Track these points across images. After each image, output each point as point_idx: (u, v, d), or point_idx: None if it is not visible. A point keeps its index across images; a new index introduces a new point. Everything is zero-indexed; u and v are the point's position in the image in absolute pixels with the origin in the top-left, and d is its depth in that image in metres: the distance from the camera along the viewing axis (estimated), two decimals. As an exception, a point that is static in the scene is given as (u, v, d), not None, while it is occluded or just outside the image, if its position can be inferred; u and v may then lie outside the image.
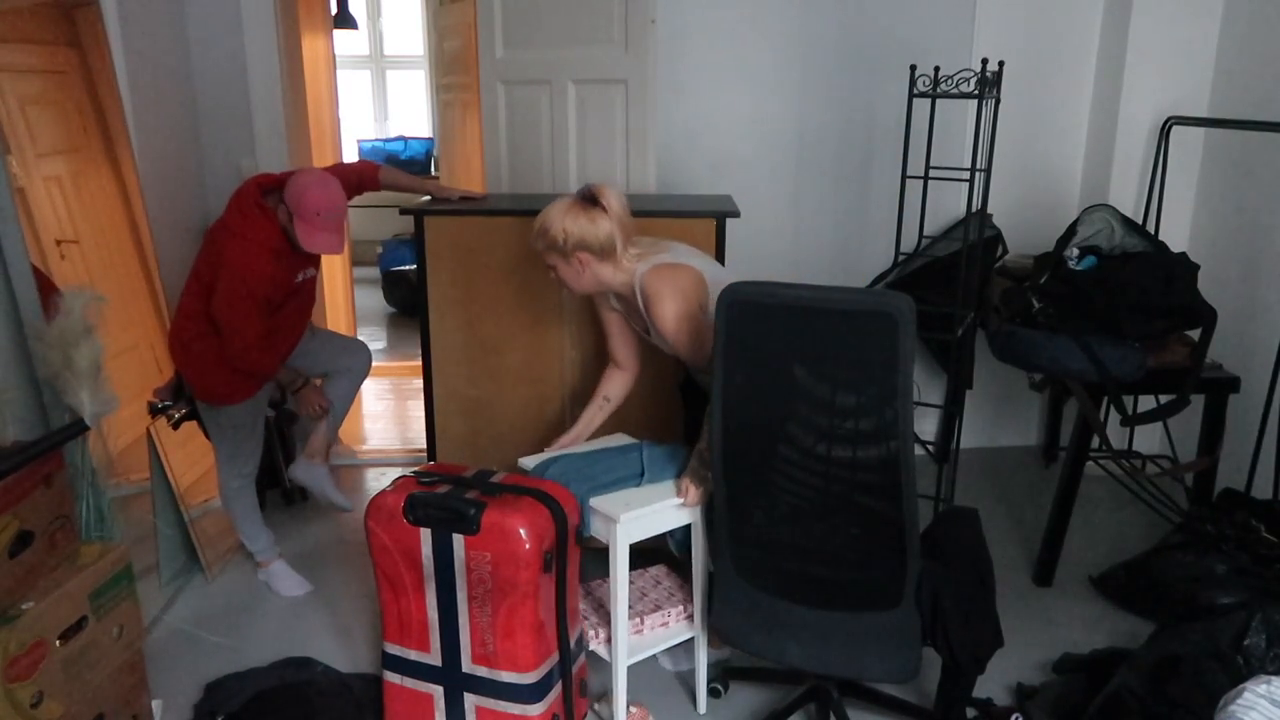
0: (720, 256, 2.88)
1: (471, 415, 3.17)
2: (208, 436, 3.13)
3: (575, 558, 2.32)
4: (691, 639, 2.51)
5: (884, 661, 2.09)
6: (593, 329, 2.96)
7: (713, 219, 2.90)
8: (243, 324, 2.76)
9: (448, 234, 3.03)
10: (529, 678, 2.21)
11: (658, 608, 2.48)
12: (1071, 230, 3.05)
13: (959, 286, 3.10)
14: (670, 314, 2.35)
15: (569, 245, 2.37)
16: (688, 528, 2.42)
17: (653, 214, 2.85)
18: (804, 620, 2.14)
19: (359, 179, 3.09)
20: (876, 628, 2.09)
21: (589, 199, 2.39)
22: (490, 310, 3.06)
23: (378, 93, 8.25)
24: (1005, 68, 3.10)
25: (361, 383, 3.33)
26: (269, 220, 2.78)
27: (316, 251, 2.82)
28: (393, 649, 2.33)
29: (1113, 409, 3.25)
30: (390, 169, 3.20)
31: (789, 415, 2.02)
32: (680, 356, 2.49)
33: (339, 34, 5.70)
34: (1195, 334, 3.01)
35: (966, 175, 3.15)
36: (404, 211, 3.21)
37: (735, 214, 2.90)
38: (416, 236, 3.06)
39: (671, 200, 3.35)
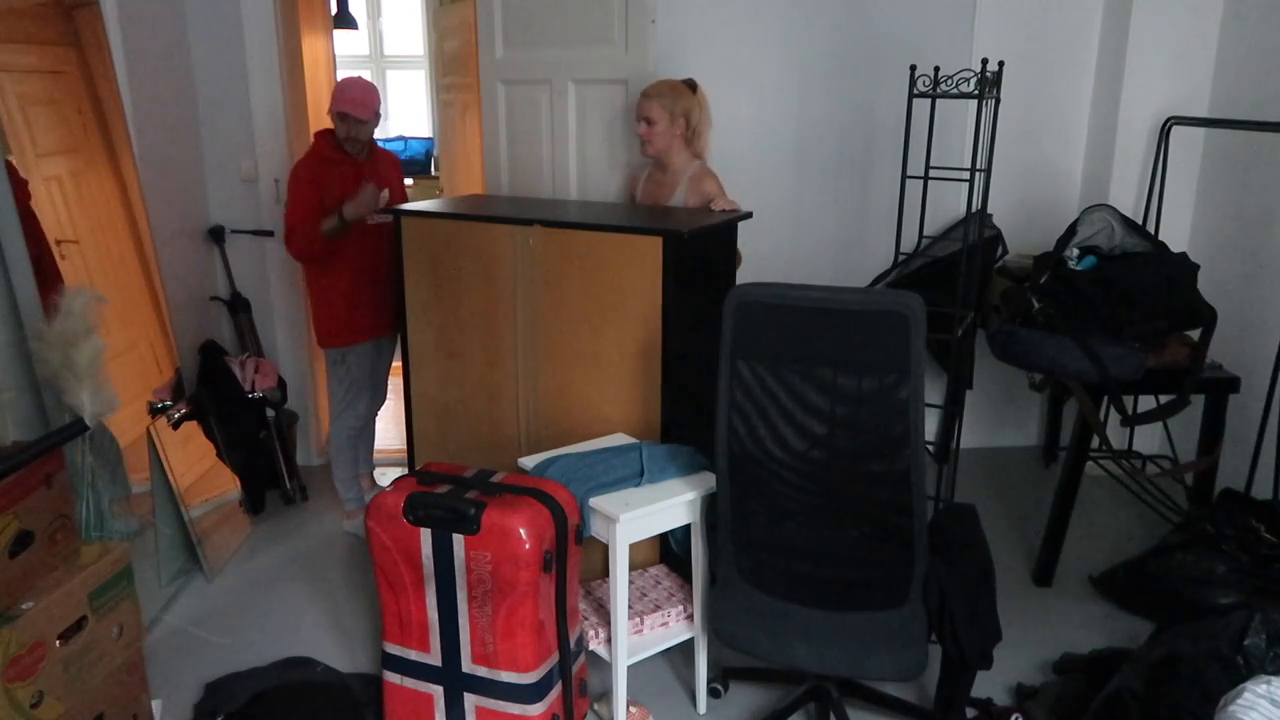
0: (667, 277, 2.62)
1: (442, 419, 3.15)
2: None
3: (575, 558, 2.31)
4: (691, 639, 2.51)
5: (892, 660, 2.09)
6: (546, 349, 2.87)
7: (659, 237, 2.61)
8: (291, 205, 3.23)
9: (420, 235, 3.01)
10: (529, 678, 2.21)
11: (658, 608, 2.48)
12: (1071, 230, 3.05)
13: (959, 286, 3.10)
14: (717, 188, 3.12)
15: (681, 108, 3.10)
16: (688, 528, 2.42)
17: (598, 228, 2.72)
18: (810, 622, 2.14)
19: None
20: (883, 626, 2.09)
21: (692, 85, 3.17)
22: (455, 317, 3.02)
23: (378, 93, 8.22)
24: (1005, 68, 3.10)
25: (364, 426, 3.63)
26: (320, 138, 3.32)
27: (342, 106, 3.19)
28: (393, 649, 2.33)
29: (1113, 409, 3.25)
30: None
31: (797, 416, 2.02)
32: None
33: (339, 34, 5.70)
34: (1195, 334, 3.01)
35: (966, 175, 3.15)
36: (382, 210, 3.23)
37: (681, 234, 2.59)
38: (395, 237, 3.06)
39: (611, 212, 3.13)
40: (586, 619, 2.47)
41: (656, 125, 3.08)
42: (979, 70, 2.96)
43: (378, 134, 3.38)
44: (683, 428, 2.73)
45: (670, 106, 3.08)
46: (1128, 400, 3.49)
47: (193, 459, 3.31)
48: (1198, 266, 2.97)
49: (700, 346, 2.71)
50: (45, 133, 2.83)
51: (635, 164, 3.47)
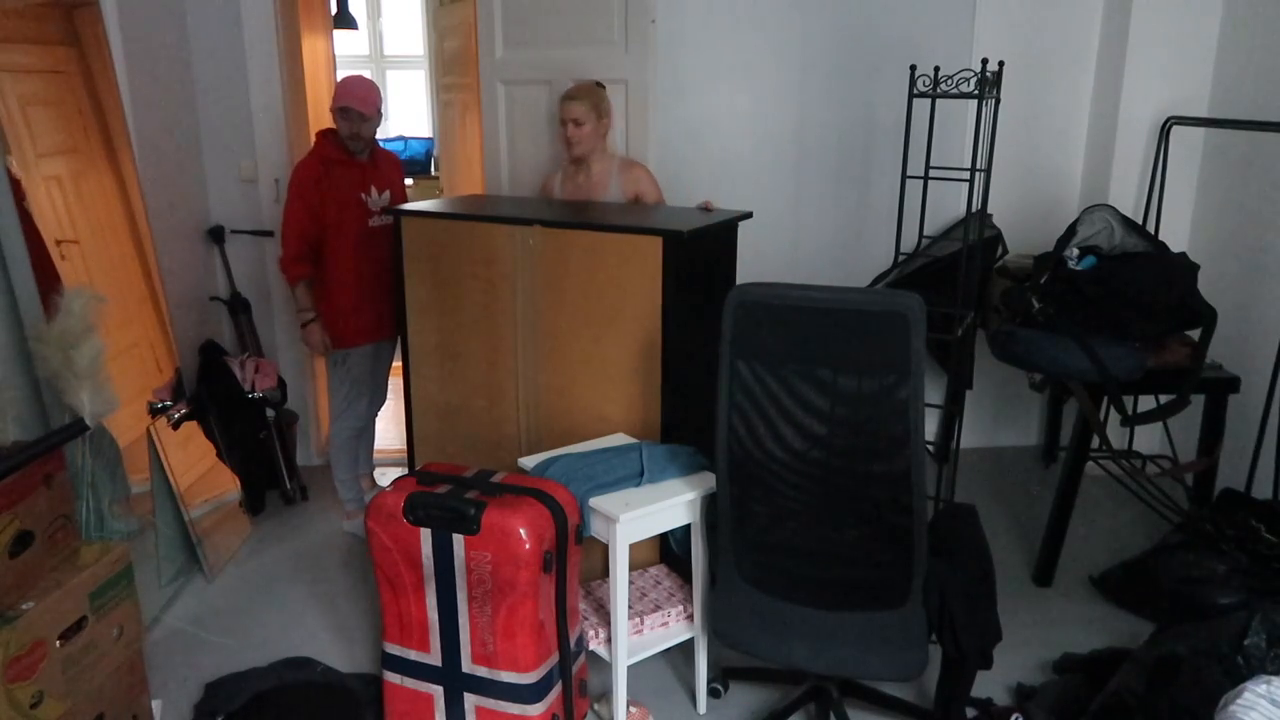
0: (667, 277, 2.62)
1: (442, 419, 3.14)
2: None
3: (575, 558, 2.32)
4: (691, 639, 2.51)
5: (892, 660, 2.09)
6: (546, 348, 2.86)
7: (659, 237, 2.61)
8: (286, 214, 3.26)
9: (420, 235, 3.01)
10: (529, 678, 2.21)
11: (658, 608, 2.48)
12: (1071, 230, 3.05)
13: (959, 286, 3.10)
14: (649, 176, 3.28)
15: (604, 108, 3.20)
16: (688, 528, 2.42)
17: (598, 228, 2.72)
18: (810, 622, 2.14)
19: None
20: (883, 626, 2.09)
21: (600, 85, 3.26)
22: (455, 317, 3.02)
23: (378, 93, 8.21)
24: (1005, 68, 3.10)
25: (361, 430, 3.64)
26: (322, 138, 3.32)
27: (345, 101, 3.19)
28: (393, 649, 2.33)
29: (1113, 409, 3.25)
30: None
31: (797, 416, 2.02)
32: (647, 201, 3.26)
33: (339, 34, 5.70)
34: (1195, 334, 3.01)
35: (966, 175, 3.15)
36: (384, 211, 3.22)
37: (681, 234, 2.59)
38: (395, 237, 3.06)
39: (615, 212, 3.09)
40: (586, 619, 2.47)
41: (585, 126, 3.16)
42: (979, 70, 2.96)
43: (378, 134, 3.38)
44: (683, 428, 2.73)
45: (595, 106, 3.18)
46: (1128, 400, 3.48)
47: (193, 459, 3.31)
48: (1198, 266, 2.97)
49: (700, 346, 2.70)
50: (45, 133, 2.82)
51: (545, 169, 3.54)
